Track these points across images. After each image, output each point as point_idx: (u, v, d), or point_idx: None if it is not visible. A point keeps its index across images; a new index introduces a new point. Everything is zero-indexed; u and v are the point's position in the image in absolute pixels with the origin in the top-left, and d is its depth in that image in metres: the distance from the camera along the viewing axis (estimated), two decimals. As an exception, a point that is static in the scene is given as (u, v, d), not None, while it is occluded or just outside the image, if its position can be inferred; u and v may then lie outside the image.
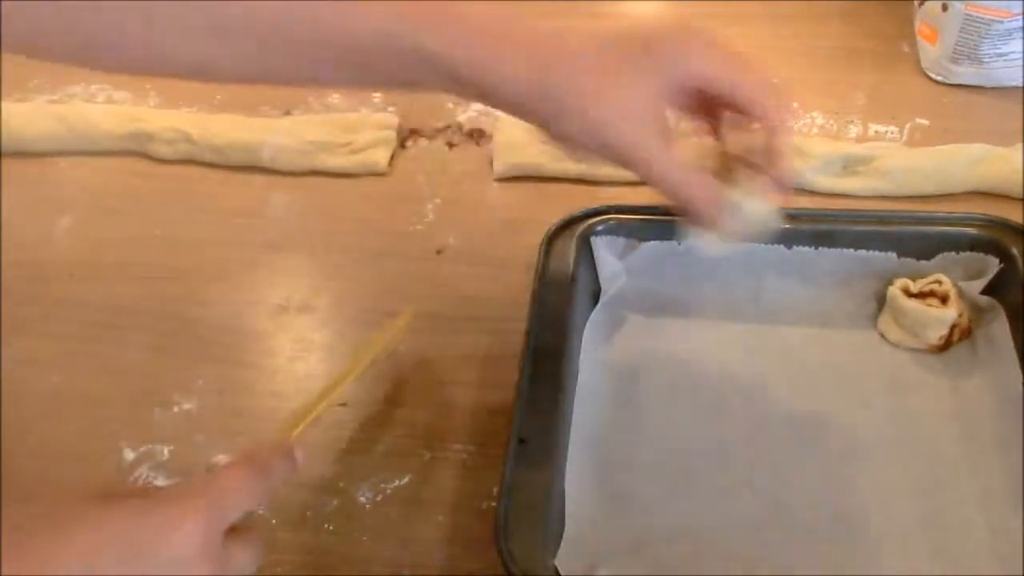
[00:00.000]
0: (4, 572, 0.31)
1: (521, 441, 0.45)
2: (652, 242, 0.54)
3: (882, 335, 0.52)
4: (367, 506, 0.48)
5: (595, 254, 0.54)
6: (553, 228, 0.55)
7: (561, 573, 0.42)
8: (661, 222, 0.54)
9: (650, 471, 0.47)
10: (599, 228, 0.54)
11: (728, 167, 0.45)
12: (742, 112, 0.43)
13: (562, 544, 0.43)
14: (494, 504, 0.47)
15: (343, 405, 0.53)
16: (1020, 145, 0.61)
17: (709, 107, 0.44)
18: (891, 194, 0.60)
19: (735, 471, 0.47)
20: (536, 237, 0.61)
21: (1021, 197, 0.59)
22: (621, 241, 0.54)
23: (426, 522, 0.47)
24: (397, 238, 0.63)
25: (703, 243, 0.46)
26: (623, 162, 0.43)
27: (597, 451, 0.48)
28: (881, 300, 0.53)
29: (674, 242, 0.54)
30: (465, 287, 0.59)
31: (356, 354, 0.51)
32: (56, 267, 0.64)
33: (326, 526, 0.48)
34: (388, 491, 0.49)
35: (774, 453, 0.47)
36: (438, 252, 0.62)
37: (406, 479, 0.49)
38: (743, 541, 0.44)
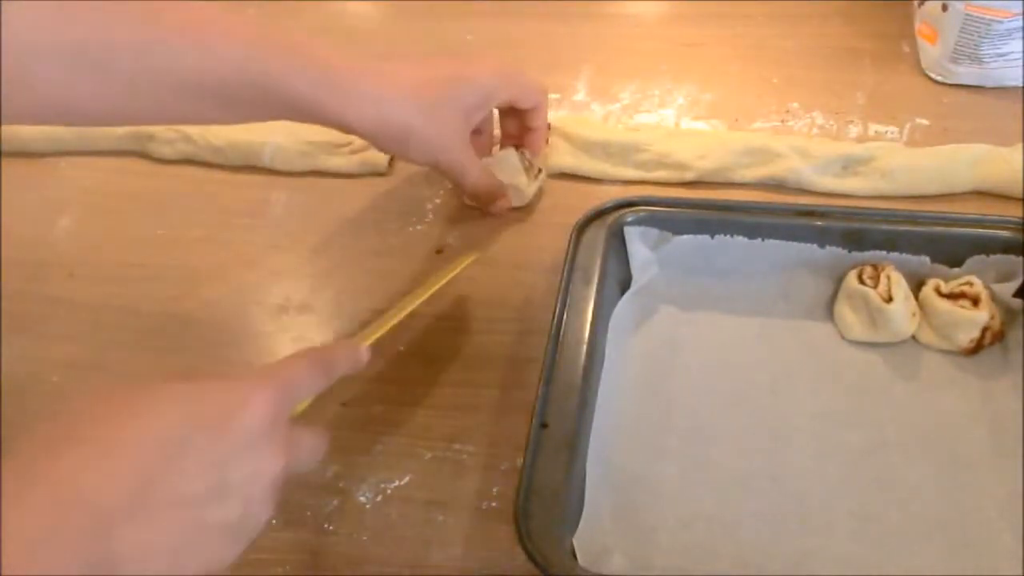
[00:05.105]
0: (78, 448, 0.32)
1: (544, 425, 0.45)
2: (685, 236, 0.54)
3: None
4: (367, 506, 0.48)
5: (628, 243, 0.54)
6: (583, 218, 0.55)
7: (578, 552, 0.42)
8: (693, 216, 0.55)
9: (672, 458, 0.47)
10: (630, 219, 0.55)
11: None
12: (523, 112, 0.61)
13: (580, 525, 0.43)
14: (495, 504, 0.47)
15: (344, 405, 0.53)
16: (1020, 145, 0.61)
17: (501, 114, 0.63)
18: (891, 194, 0.60)
19: (756, 462, 0.47)
20: (534, 236, 0.62)
21: (1021, 197, 0.59)
22: (654, 233, 0.55)
23: (426, 522, 0.47)
24: (397, 238, 0.63)
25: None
26: (446, 173, 0.59)
27: (620, 437, 0.48)
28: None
29: (707, 236, 0.54)
30: (463, 287, 0.59)
31: (425, 284, 0.53)
32: (56, 267, 0.64)
33: (326, 526, 0.48)
34: (388, 491, 0.49)
35: (797, 447, 0.47)
36: (438, 252, 0.62)
37: (406, 479, 0.49)
38: (760, 531, 0.44)
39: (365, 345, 0.45)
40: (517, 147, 0.63)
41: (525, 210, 0.63)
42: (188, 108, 0.50)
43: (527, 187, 0.62)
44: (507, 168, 0.62)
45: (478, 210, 0.63)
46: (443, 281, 0.53)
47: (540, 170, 0.64)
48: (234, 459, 0.35)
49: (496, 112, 0.63)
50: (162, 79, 0.48)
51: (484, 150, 0.63)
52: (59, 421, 0.33)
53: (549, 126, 0.68)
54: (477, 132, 0.62)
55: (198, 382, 0.35)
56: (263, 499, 0.36)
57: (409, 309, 0.50)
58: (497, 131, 0.65)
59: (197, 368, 0.37)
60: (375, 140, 0.55)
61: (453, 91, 0.55)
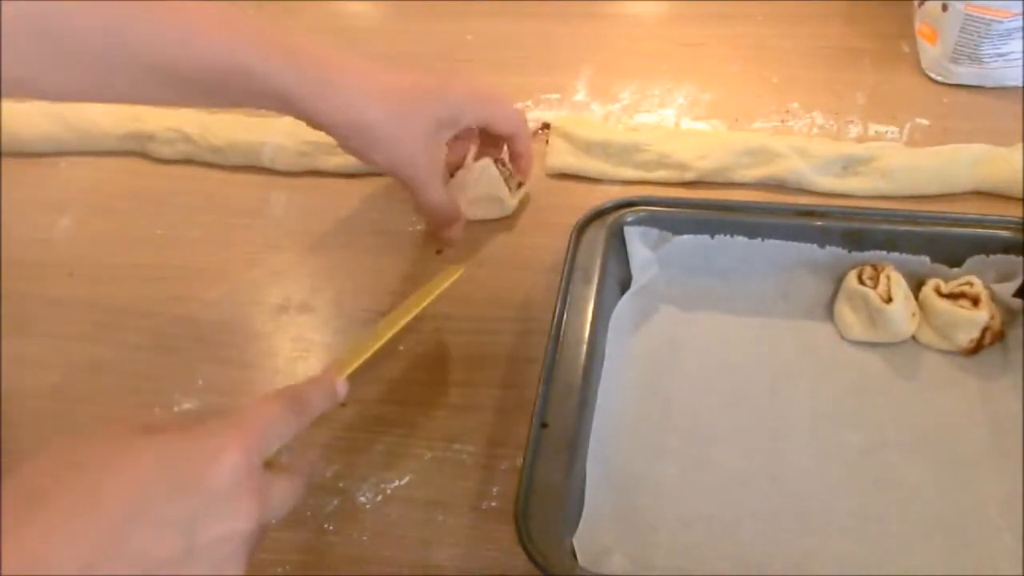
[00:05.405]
0: (45, 509, 0.31)
1: (544, 425, 0.45)
2: (685, 236, 0.54)
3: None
4: (367, 506, 0.48)
5: (628, 243, 0.54)
6: (583, 218, 0.55)
7: (578, 552, 0.42)
8: (693, 216, 0.55)
9: (672, 458, 0.47)
10: (630, 219, 0.55)
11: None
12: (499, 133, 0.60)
13: (580, 525, 0.43)
14: (495, 504, 0.47)
15: (343, 405, 0.53)
16: (1020, 145, 0.61)
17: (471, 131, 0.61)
18: (891, 194, 0.60)
19: (756, 462, 0.47)
20: (534, 236, 0.62)
21: (1021, 197, 0.59)
22: (654, 233, 0.55)
23: (426, 522, 0.47)
24: (397, 238, 0.63)
25: None
26: (404, 183, 0.57)
27: (620, 437, 0.48)
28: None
29: (707, 236, 0.54)
30: (463, 287, 0.59)
31: (406, 303, 0.50)
32: (56, 267, 0.64)
33: (326, 526, 0.48)
34: (388, 491, 0.49)
35: (796, 447, 0.47)
36: (438, 252, 0.62)
37: (406, 479, 0.49)
38: (759, 531, 0.44)
39: (341, 379, 0.43)
40: (496, 158, 0.61)
41: (525, 210, 0.63)
42: (157, 92, 0.49)
43: (509, 198, 0.61)
44: (485, 180, 0.60)
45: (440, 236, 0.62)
46: (428, 300, 0.51)
47: (521, 183, 0.62)
48: (203, 519, 0.33)
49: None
50: (134, 62, 0.47)
51: (460, 152, 0.62)
52: (23, 481, 0.32)
53: (548, 126, 0.68)
54: (456, 136, 0.60)
55: (165, 436, 0.34)
56: (234, 559, 0.35)
57: (391, 333, 0.47)
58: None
59: (164, 418, 0.36)
60: (339, 136, 0.54)
61: (424, 102, 0.54)
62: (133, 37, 0.46)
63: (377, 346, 0.46)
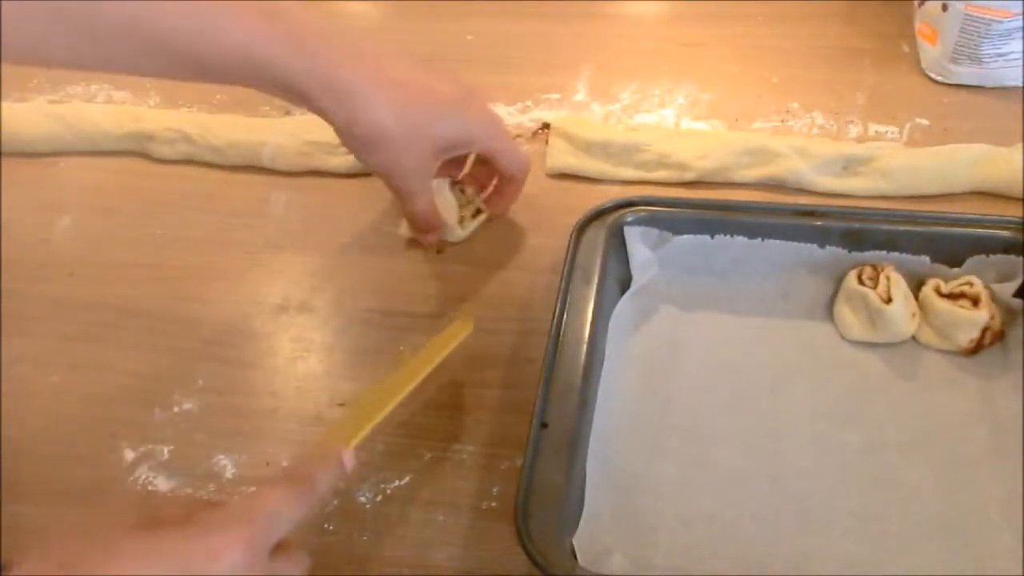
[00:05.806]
0: None
1: (544, 425, 0.45)
2: (685, 236, 0.54)
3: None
4: (367, 506, 0.48)
5: (628, 243, 0.54)
6: (583, 218, 0.55)
7: (578, 552, 0.42)
8: (693, 216, 0.55)
9: (671, 458, 0.47)
10: (630, 219, 0.55)
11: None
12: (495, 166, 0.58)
13: (580, 525, 0.43)
14: (495, 504, 0.47)
15: (341, 405, 0.53)
16: (1020, 145, 0.61)
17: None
18: (891, 194, 0.60)
19: (756, 462, 0.47)
20: (534, 236, 0.62)
21: (1021, 197, 0.59)
22: (654, 233, 0.55)
23: (426, 522, 0.47)
24: (397, 238, 0.63)
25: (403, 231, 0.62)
26: (395, 191, 0.56)
27: (620, 437, 0.48)
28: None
29: (707, 236, 0.54)
30: (463, 287, 0.59)
31: (411, 364, 0.48)
32: (56, 267, 0.64)
33: (326, 526, 0.48)
34: (388, 491, 0.49)
35: (796, 447, 0.47)
36: (438, 252, 0.62)
37: (406, 479, 0.49)
38: (760, 531, 0.44)
39: (349, 450, 0.41)
40: (457, 182, 0.61)
41: (525, 210, 0.63)
42: (172, 73, 0.49)
43: (457, 227, 0.60)
44: (439, 202, 0.59)
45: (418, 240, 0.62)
46: (437, 361, 0.48)
47: (479, 210, 0.61)
48: None
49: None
50: (153, 47, 0.46)
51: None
52: None
53: (548, 126, 0.68)
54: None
55: (164, 535, 0.34)
56: None
57: (399, 398, 0.45)
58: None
59: (167, 506, 0.36)
60: (345, 135, 0.52)
61: (439, 118, 0.53)
62: (151, 26, 0.46)
63: (385, 412, 0.44)
